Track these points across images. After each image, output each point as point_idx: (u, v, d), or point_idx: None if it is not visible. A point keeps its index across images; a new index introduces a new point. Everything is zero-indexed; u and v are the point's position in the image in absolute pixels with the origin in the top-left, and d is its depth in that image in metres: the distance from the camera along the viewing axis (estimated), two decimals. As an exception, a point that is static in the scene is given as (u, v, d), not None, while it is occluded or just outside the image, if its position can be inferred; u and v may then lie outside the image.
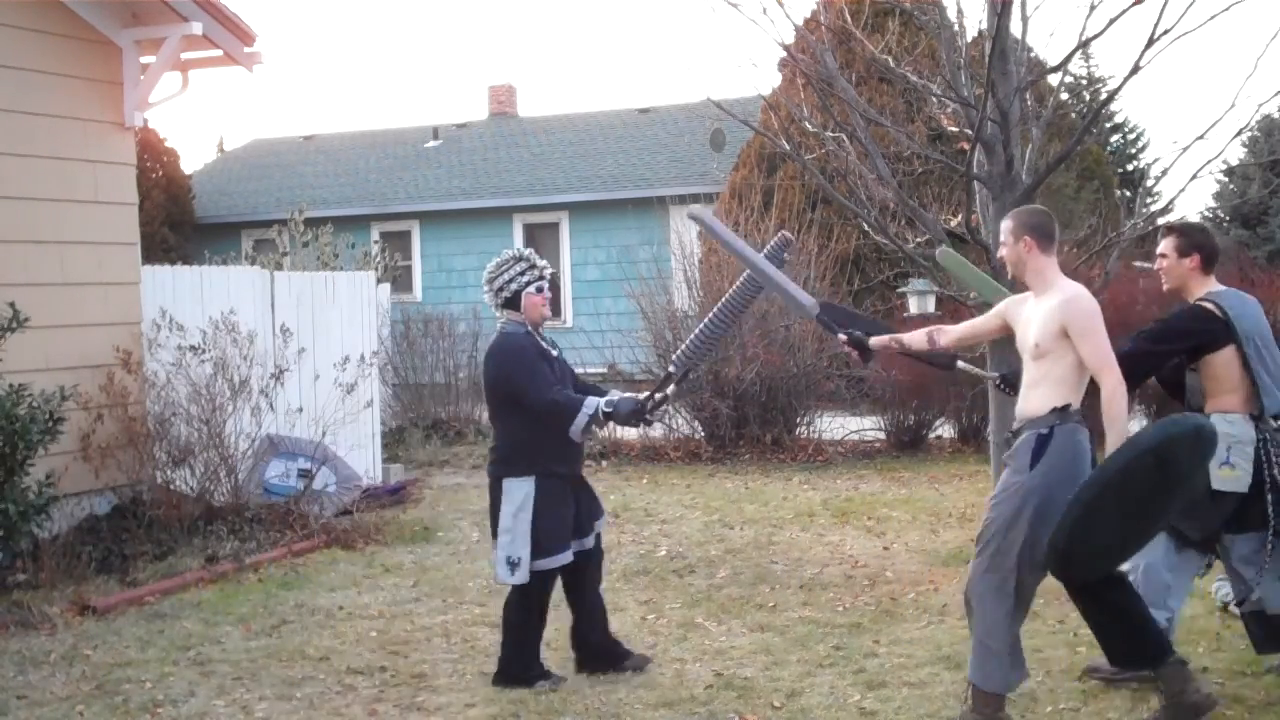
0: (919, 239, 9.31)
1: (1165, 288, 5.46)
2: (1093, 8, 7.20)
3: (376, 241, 19.74)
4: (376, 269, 15.84)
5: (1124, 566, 5.11)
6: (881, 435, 12.90)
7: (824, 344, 12.55)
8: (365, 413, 10.66)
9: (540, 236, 20.86)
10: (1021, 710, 5.10)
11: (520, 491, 5.56)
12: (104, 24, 8.86)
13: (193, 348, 8.88)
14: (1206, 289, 5.28)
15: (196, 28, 8.82)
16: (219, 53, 9.26)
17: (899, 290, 14.04)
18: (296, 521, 8.78)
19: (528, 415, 5.56)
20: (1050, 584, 5.08)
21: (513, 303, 5.69)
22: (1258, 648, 5.38)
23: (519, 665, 5.65)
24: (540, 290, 5.69)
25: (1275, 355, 5.20)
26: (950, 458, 12.02)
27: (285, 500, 9.04)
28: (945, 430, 12.96)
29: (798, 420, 12.82)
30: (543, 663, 5.71)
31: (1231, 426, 5.06)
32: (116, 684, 5.75)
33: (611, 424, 5.84)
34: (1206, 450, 4.82)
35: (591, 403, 5.52)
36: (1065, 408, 4.75)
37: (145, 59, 9.12)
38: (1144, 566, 5.30)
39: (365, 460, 10.93)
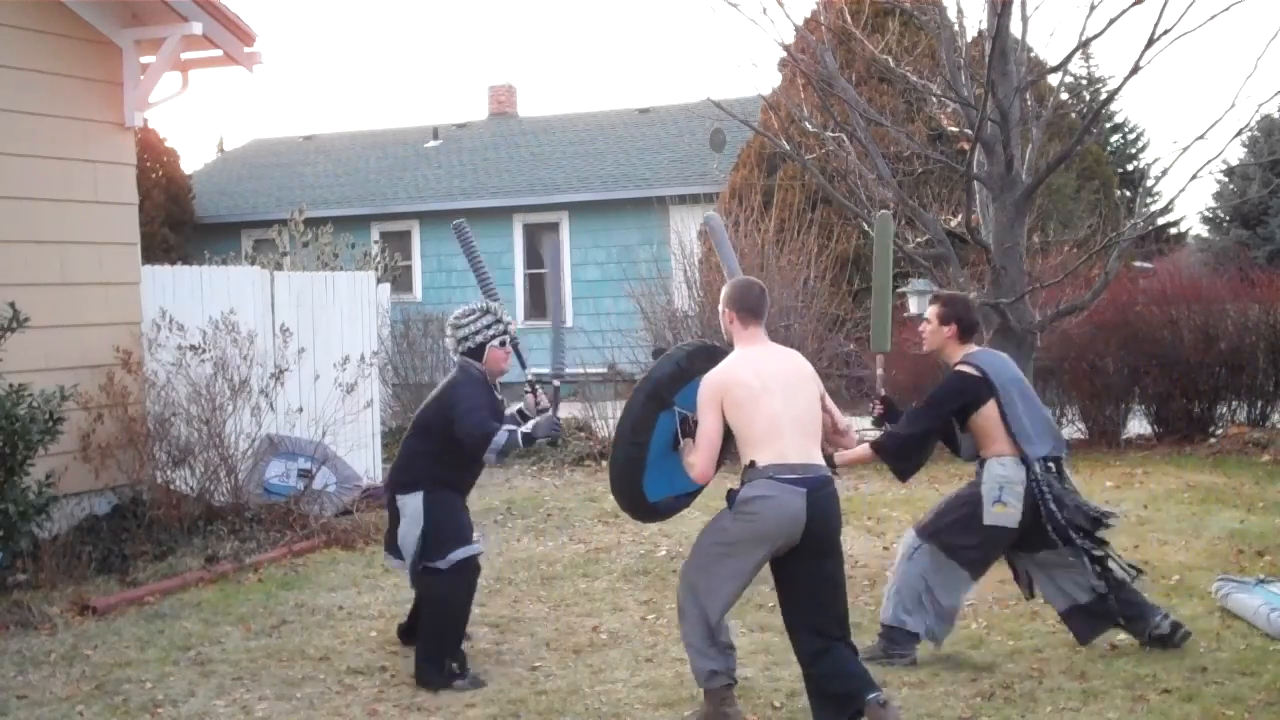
0: (919, 239, 9.31)
1: (925, 348, 6.00)
2: (1093, 8, 7.22)
3: (376, 241, 19.73)
4: (376, 269, 15.84)
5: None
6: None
7: (823, 344, 12.54)
8: (365, 413, 10.66)
9: (540, 236, 20.84)
10: (1022, 710, 5.10)
11: (411, 506, 5.82)
12: (104, 24, 8.87)
13: (193, 348, 8.88)
14: (964, 353, 5.78)
15: (196, 28, 8.83)
16: (219, 53, 9.27)
17: (899, 290, 14.02)
18: (296, 521, 8.78)
19: (435, 441, 5.79)
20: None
21: (475, 353, 5.88)
22: (1079, 638, 5.85)
23: (434, 667, 5.66)
24: (503, 345, 5.88)
25: (1035, 402, 5.79)
26: (949, 458, 11.87)
27: (285, 500, 9.04)
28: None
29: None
30: (455, 666, 5.70)
31: (1005, 469, 5.62)
32: (116, 684, 5.75)
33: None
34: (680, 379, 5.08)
35: (512, 426, 5.75)
36: (751, 464, 4.81)
37: (145, 59, 9.13)
38: (905, 573, 5.77)
39: (365, 460, 10.93)
